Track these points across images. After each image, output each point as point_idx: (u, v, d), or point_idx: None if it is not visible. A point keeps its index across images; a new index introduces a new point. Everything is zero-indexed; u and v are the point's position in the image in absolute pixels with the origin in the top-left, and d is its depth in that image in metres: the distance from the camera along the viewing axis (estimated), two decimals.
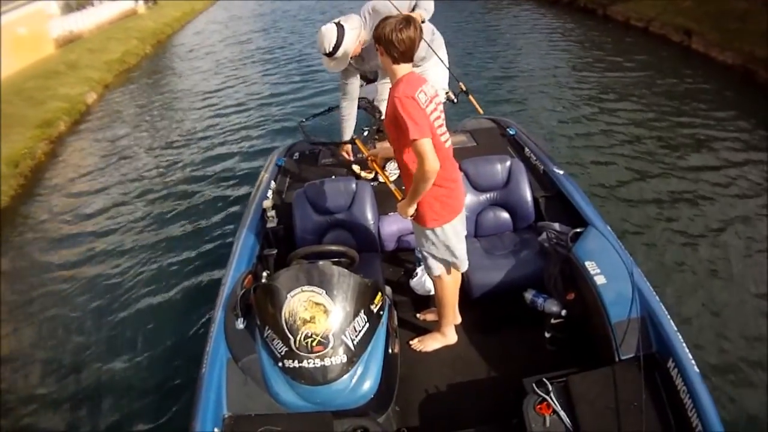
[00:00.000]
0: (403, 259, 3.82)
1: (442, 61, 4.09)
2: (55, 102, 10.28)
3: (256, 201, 3.91)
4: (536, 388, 2.39)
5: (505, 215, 3.70)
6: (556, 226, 3.40)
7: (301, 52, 12.95)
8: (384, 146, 4.22)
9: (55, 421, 3.79)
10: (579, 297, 2.95)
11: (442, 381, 2.91)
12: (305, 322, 2.45)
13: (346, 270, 2.66)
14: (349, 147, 4.32)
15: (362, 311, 2.58)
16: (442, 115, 2.73)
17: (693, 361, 2.36)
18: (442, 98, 3.98)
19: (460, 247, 2.98)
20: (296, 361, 2.44)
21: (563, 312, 3.02)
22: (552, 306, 3.07)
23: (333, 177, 3.84)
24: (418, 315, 3.41)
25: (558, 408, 2.31)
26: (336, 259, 2.93)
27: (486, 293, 3.26)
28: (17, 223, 6.66)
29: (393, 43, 2.49)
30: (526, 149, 4.33)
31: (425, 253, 2.93)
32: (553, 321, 3.04)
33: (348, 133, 4.26)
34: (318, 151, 4.71)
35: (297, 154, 4.73)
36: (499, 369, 2.96)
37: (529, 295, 3.20)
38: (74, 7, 16.41)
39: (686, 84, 8.62)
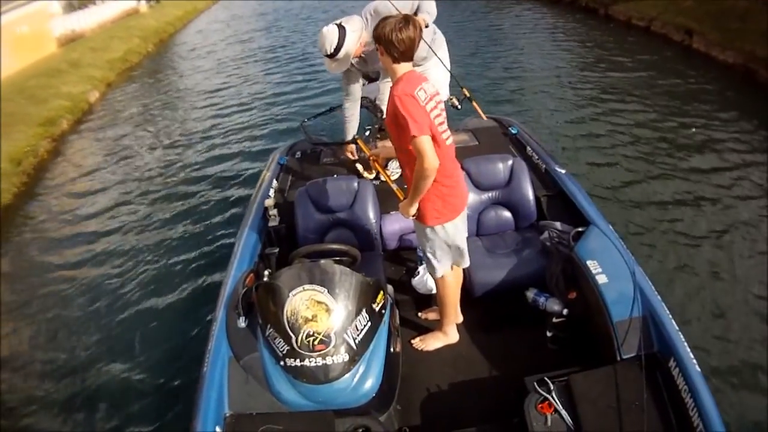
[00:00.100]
0: (405, 257, 3.82)
1: (442, 61, 4.09)
2: (57, 100, 10.30)
3: (258, 200, 3.92)
4: (538, 387, 2.39)
5: (507, 214, 3.70)
6: (558, 225, 3.40)
7: (303, 51, 12.94)
8: (386, 145, 4.23)
9: (55, 421, 3.79)
10: (581, 296, 2.95)
11: (444, 380, 2.91)
12: (307, 320, 2.46)
13: (347, 269, 2.67)
14: (352, 147, 4.32)
15: (364, 310, 2.58)
16: (443, 114, 2.73)
17: (694, 361, 2.36)
18: (444, 97, 3.99)
19: (462, 246, 2.98)
20: (298, 360, 2.45)
21: (565, 311, 3.02)
22: (554, 305, 3.07)
23: (335, 176, 3.84)
24: (419, 314, 3.42)
25: (559, 407, 2.31)
26: (338, 258, 2.93)
27: (488, 292, 3.26)
28: (19, 222, 6.67)
29: (393, 42, 2.51)
30: (528, 148, 4.33)
31: (427, 252, 2.94)
32: (554, 320, 3.04)
33: (351, 133, 4.26)
34: (320, 150, 4.71)
35: (299, 152, 4.73)
36: (500, 368, 2.97)
37: (530, 294, 3.20)
38: (76, 6, 16.43)
39: (687, 84, 8.59)
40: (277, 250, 3.23)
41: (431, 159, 2.47)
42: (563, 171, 3.91)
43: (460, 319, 3.24)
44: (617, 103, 8.02)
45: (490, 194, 3.68)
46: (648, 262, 4.26)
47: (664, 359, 2.44)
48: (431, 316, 3.36)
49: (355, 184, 3.66)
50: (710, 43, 9.74)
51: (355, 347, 2.49)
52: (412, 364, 3.01)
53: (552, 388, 2.37)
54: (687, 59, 9.87)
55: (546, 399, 2.34)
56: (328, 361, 2.43)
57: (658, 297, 2.70)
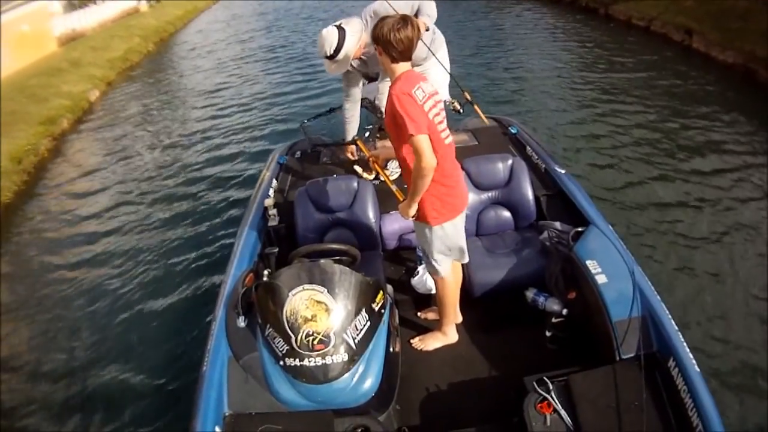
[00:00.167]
0: (405, 257, 3.82)
1: (441, 62, 4.09)
2: (58, 99, 10.31)
3: (258, 199, 3.92)
4: (537, 387, 2.39)
5: (507, 214, 3.69)
6: (558, 225, 3.40)
7: (303, 51, 12.93)
8: (385, 146, 4.23)
9: (55, 422, 3.77)
10: (580, 296, 2.95)
11: (443, 380, 2.91)
12: (306, 320, 2.46)
13: (347, 268, 2.67)
14: (353, 148, 4.32)
15: (363, 310, 2.58)
16: (443, 113, 2.74)
17: (694, 361, 2.36)
18: (444, 97, 3.98)
19: (462, 246, 2.98)
20: (297, 360, 2.45)
21: (564, 311, 3.03)
22: (553, 305, 3.08)
23: (334, 175, 3.84)
24: (419, 314, 3.42)
25: (559, 407, 2.31)
26: (337, 258, 2.93)
27: (487, 292, 3.26)
28: (19, 221, 6.67)
29: (391, 42, 2.52)
30: (528, 148, 4.33)
31: (426, 252, 2.94)
32: (554, 320, 3.04)
33: (351, 134, 4.27)
34: (320, 149, 4.72)
35: (298, 152, 4.73)
36: (500, 368, 2.97)
37: (530, 294, 3.20)
38: (77, 5, 16.43)
39: (687, 84, 8.58)
40: (276, 249, 3.23)
41: (429, 158, 2.47)
42: (563, 171, 3.91)
43: (460, 319, 3.24)
44: (617, 104, 8.01)
45: (489, 194, 3.68)
46: (648, 264, 4.24)
47: (663, 359, 2.44)
48: (430, 315, 3.36)
49: (355, 184, 3.66)
50: (710, 43, 9.74)
51: (354, 347, 2.49)
52: (412, 363, 3.02)
53: (551, 387, 2.37)
54: (687, 59, 9.87)
55: (545, 399, 2.34)
56: (328, 360, 2.43)
57: (658, 297, 2.70)
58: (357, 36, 3.63)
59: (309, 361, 2.43)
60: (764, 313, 3.95)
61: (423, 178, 2.54)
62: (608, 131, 7.10)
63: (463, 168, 3.14)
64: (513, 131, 4.62)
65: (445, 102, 3.98)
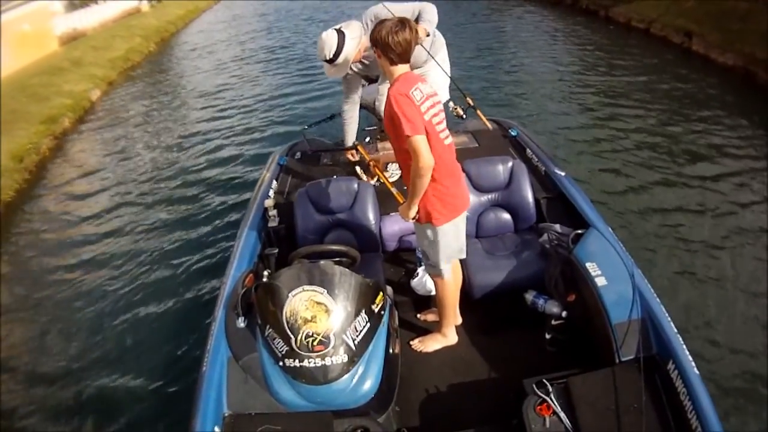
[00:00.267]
0: (405, 259, 3.83)
1: (440, 65, 4.09)
2: (59, 98, 10.31)
3: (258, 200, 3.92)
4: (536, 389, 2.39)
5: (507, 216, 3.70)
6: (557, 227, 3.41)
7: (304, 52, 12.93)
8: (385, 147, 4.24)
9: (55, 423, 3.76)
10: (580, 298, 2.95)
11: (443, 381, 2.92)
12: (306, 321, 2.46)
13: (347, 270, 2.67)
14: (353, 152, 4.33)
15: (363, 311, 2.58)
16: (442, 114, 2.75)
17: (693, 364, 2.36)
18: (444, 99, 3.99)
19: (461, 248, 2.98)
20: (297, 361, 2.45)
21: (564, 313, 3.03)
22: (553, 307, 3.08)
23: (335, 177, 3.84)
24: (418, 315, 3.42)
25: (558, 409, 2.31)
26: (337, 259, 2.94)
27: (487, 294, 3.26)
28: (20, 221, 6.65)
29: (389, 45, 2.55)
30: (528, 150, 4.33)
31: (426, 252, 2.94)
32: (553, 322, 3.05)
33: (350, 136, 4.27)
34: (320, 154, 4.72)
35: (299, 153, 4.73)
36: (499, 370, 2.97)
37: (529, 297, 3.20)
38: (78, 5, 16.44)
39: (687, 87, 8.60)
40: (276, 250, 3.23)
41: (426, 158, 2.49)
42: (563, 173, 3.91)
43: (459, 320, 3.24)
44: (617, 108, 8.02)
45: (489, 196, 3.69)
46: (649, 267, 4.22)
47: (662, 362, 2.45)
48: (430, 317, 3.36)
49: (355, 186, 3.66)
50: (710, 45, 9.75)
51: (354, 348, 2.49)
52: (411, 365, 3.02)
53: (551, 390, 2.37)
54: (687, 61, 9.88)
55: (545, 401, 2.34)
56: (327, 361, 2.43)
57: (657, 299, 2.71)
58: (356, 40, 3.63)
59: (308, 362, 2.43)
60: (764, 317, 3.94)
61: (421, 178, 2.55)
62: (608, 135, 7.10)
63: (463, 170, 3.14)
64: (513, 133, 4.62)
65: (447, 106, 3.98)
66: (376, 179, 4.00)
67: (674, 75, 9.15)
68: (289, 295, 2.51)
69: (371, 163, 3.71)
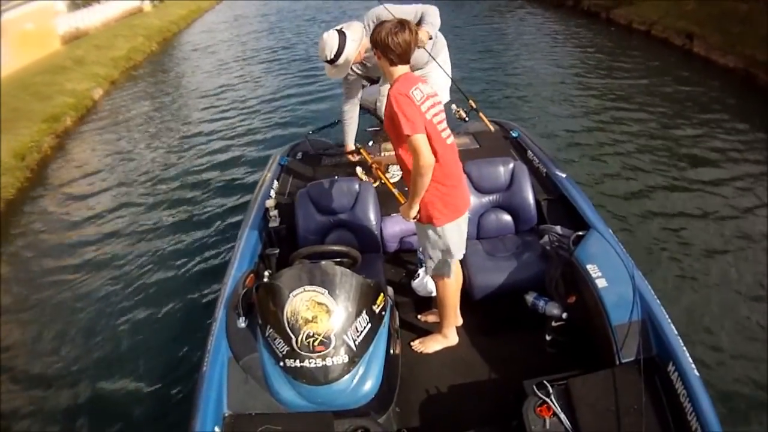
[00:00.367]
0: (405, 260, 3.84)
1: (441, 66, 4.10)
2: (61, 97, 10.34)
3: (259, 200, 3.93)
4: (537, 391, 2.39)
5: (507, 218, 3.70)
6: (558, 229, 3.40)
7: (306, 53, 12.94)
8: (387, 148, 4.23)
9: (55, 425, 3.75)
10: (580, 300, 2.96)
11: (443, 382, 2.92)
12: (307, 321, 2.46)
13: (348, 270, 2.67)
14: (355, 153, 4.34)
15: (364, 312, 2.58)
16: (443, 114, 2.76)
17: (693, 365, 2.36)
18: (445, 100, 3.99)
19: (461, 249, 2.99)
20: (297, 361, 2.45)
21: (564, 315, 3.03)
22: (553, 309, 3.08)
23: (336, 177, 3.85)
24: (419, 316, 3.42)
25: (558, 410, 2.31)
26: (338, 260, 2.94)
27: (487, 295, 3.27)
28: (20, 221, 6.65)
29: (389, 46, 2.56)
30: (529, 152, 4.34)
31: (427, 253, 2.95)
32: (554, 324, 3.05)
33: (350, 136, 4.28)
34: (321, 156, 4.72)
35: (300, 153, 4.74)
36: (499, 371, 2.97)
37: (530, 298, 3.20)
38: (80, 4, 16.47)
39: (688, 90, 8.59)
40: (277, 251, 3.24)
41: (426, 157, 2.50)
42: (564, 175, 3.91)
43: (460, 321, 3.24)
44: (618, 111, 8.01)
45: (490, 197, 3.69)
46: (649, 272, 4.23)
47: (663, 363, 2.45)
48: (431, 318, 3.37)
49: (356, 186, 3.67)
50: (711, 48, 9.76)
51: (354, 349, 2.49)
52: (412, 366, 3.02)
53: (551, 391, 2.37)
54: (688, 64, 9.88)
55: (545, 402, 2.34)
56: (328, 362, 2.44)
57: (658, 301, 2.71)
58: (357, 41, 3.63)
59: (309, 363, 2.44)
60: (765, 321, 3.93)
61: (422, 177, 2.56)
62: (609, 138, 7.10)
63: (464, 171, 3.14)
64: (514, 135, 4.63)
65: (449, 108, 3.98)
66: (378, 181, 4.00)
67: (676, 77, 9.15)
68: (290, 295, 2.51)
69: (373, 165, 3.72)
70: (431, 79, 3.88)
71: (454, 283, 3.04)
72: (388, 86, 2.79)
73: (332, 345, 2.45)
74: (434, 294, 3.25)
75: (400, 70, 2.65)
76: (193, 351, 3.95)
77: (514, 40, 12.82)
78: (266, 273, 2.99)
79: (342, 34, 3.59)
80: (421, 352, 3.14)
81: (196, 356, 3.59)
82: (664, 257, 4.70)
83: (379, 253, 3.65)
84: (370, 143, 4.67)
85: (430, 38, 3.78)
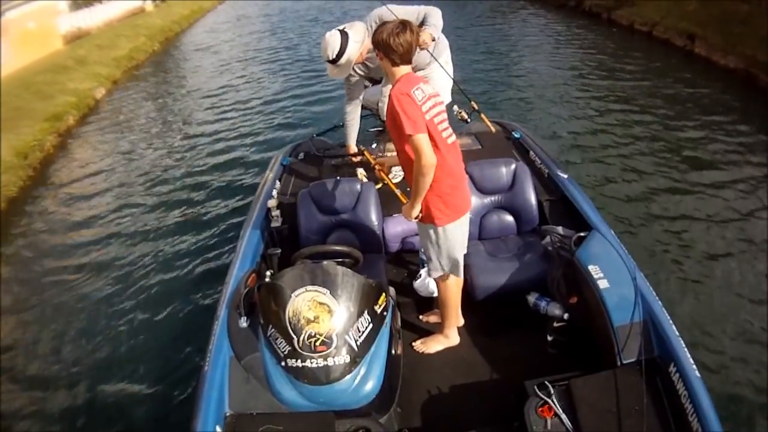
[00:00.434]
0: (407, 260, 3.84)
1: (443, 67, 4.10)
2: (63, 96, 10.35)
3: (261, 200, 3.93)
4: (538, 391, 2.39)
5: (509, 218, 3.70)
6: (560, 229, 3.40)
7: (309, 53, 12.95)
8: (390, 149, 4.24)
9: (56, 425, 3.74)
10: (582, 301, 2.96)
11: (444, 382, 2.92)
12: (309, 321, 2.46)
13: (350, 270, 2.67)
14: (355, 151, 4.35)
15: (366, 312, 2.59)
16: (445, 114, 2.76)
17: (694, 366, 2.36)
18: (447, 101, 3.99)
19: (462, 250, 2.99)
20: (299, 361, 2.45)
21: (566, 315, 3.03)
22: (555, 309, 3.08)
23: (338, 177, 3.86)
24: (421, 316, 3.43)
25: (559, 411, 2.31)
26: (340, 260, 2.95)
27: (489, 296, 3.27)
28: (21, 221, 6.63)
29: (391, 46, 2.58)
30: (531, 153, 4.34)
31: (428, 253, 2.95)
32: (555, 324, 3.05)
33: (352, 137, 4.28)
34: (323, 158, 4.73)
35: (302, 154, 4.74)
36: (501, 371, 2.97)
37: (532, 299, 3.20)
38: (82, 4, 16.49)
39: (691, 91, 8.59)
40: (279, 251, 3.24)
41: (428, 156, 2.50)
42: (566, 176, 3.92)
43: (461, 322, 3.24)
44: (619, 113, 8.01)
45: (492, 198, 3.69)
46: (650, 274, 4.22)
47: (664, 364, 2.45)
48: (432, 318, 3.37)
49: (358, 186, 3.67)
50: (712, 48, 9.76)
51: (356, 349, 2.49)
52: (413, 366, 3.02)
53: (552, 392, 2.37)
54: (689, 65, 9.88)
55: (546, 403, 2.34)
56: (330, 362, 2.44)
57: (659, 302, 2.71)
58: (360, 42, 3.64)
59: (311, 362, 2.44)
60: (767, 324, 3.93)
61: (424, 177, 2.57)
62: (610, 140, 7.10)
63: (466, 171, 3.15)
64: (516, 136, 4.63)
65: (451, 109, 3.99)
66: (381, 183, 4.01)
67: (677, 79, 9.16)
68: (292, 295, 2.51)
69: (376, 167, 3.73)
70: (433, 80, 3.89)
71: (455, 283, 3.04)
72: (389, 87, 2.80)
73: (334, 345, 2.45)
74: (436, 294, 3.25)
75: (402, 70, 2.66)
76: (194, 352, 3.95)
77: (516, 41, 12.82)
78: (268, 273, 2.99)
79: (344, 35, 3.60)
80: (422, 353, 3.14)
81: (197, 357, 3.58)
82: (666, 260, 4.69)
83: (381, 254, 3.66)
84: (374, 145, 4.67)
85: (433, 40, 3.78)
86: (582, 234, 3.22)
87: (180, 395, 3.69)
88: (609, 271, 2.87)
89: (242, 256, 3.31)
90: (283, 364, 2.49)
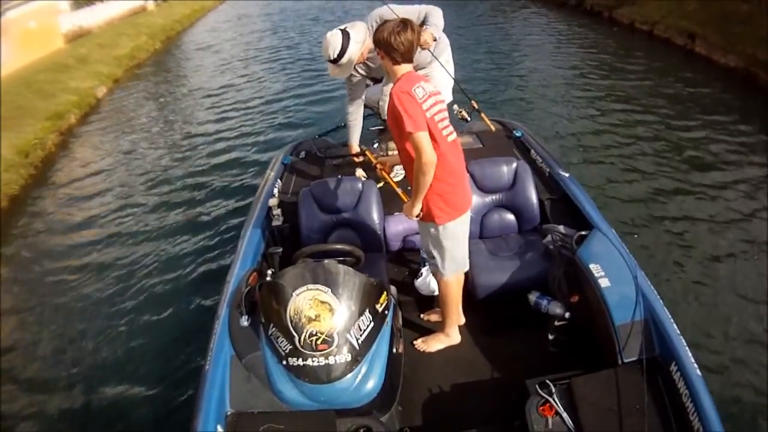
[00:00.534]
0: (408, 259, 3.84)
1: (444, 66, 4.10)
2: (65, 95, 10.36)
3: (262, 199, 3.92)
4: (539, 390, 2.39)
5: (511, 217, 3.70)
6: (561, 228, 3.41)
7: (310, 53, 12.94)
8: (392, 147, 4.23)
9: (56, 425, 3.74)
10: (583, 299, 2.96)
11: (446, 381, 2.92)
12: (310, 320, 2.46)
13: (351, 269, 2.67)
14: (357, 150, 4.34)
15: (367, 310, 2.59)
16: (446, 112, 2.77)
17: (695, 365, 2.36)
18: (448, 100, 3.99)
19: (463, 248, 2.99)
20: (300, 359, 2.45)
21: (567, 314, 3.03)
22: (556, 308, 3.08)
23: (339, 176, 3.86)
24: (422, 315, 3.43)
25: (561, 410, 2.31)
26: (341, 258, 2.94)
27: (490, 294, 3.27)
28: (22, 221, 6.62)
29: (392, 45, 2.59)
30: (532, 151, 4.34)
31: (429, 252, 2.95)
32: (556, 323, 3.05)
33: (354, 137, 4.28)
34: (324, 149, 4.73)
35: (303, 152, 4.74)
36: (502, 370, 2.97)
37: (533, 297, 3.20)
38: (83, 3, 16.49)
39: (692, 90, 8.59)
40: (280, 249, 3.23)
41: (428, 154, 2.51)
42: (567, 174, 3.92)
43: (463, 320, 3.25)
44: (620, 113, 8.00)
45: (493, 197, 3.69)
46: (651, 275, 4.21)
47: (665, 363, 2.45)
48: (433, 317, 3.37)
49: (359, 185, 3.67)
50: (712, 47, 9.77)
51: (357, 347, 2.49)
52: (414, 365, 3.02)
53: (553, 390, 2.37)
54: (690, 64, 9.88)
55: (547, 401, 2.35)
56: (331, 360, 2.44)
57: (660, 301, 2.71)
58: (361, 41, 3.64)
59: (312, 361, 2.44)
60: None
61: (424, 175, 2.57)
62: (612, 139, 7.10)
63: (467, 170, 3.14)
64: (517, 134, 4.63)
65: (451, 109, 3.99)
66: (382, 183, 4.02)
67: (678, 78, 9.15)
68: (294, 293, 2.51)
69: (378, 166, 3.73)
70: (434, 79, 3.88)
71: (456, 281, 3.04)
72: (390, 85, 2.80)
73: (335, 343, 2.45)
74: (437, 293, 3.25)
75: (403, 68, 2.67)
76: (195, 351, 3.93)
77: (517, 40, 12.82)
78: (269, 272, 3.00)
79: (345, 34, 3.60)
80: (423, 351, 3.14)
81: (198, 357, 3.58)
82: (668, 260, 4.69)
83: (382, 252, 3.65)
84: (375, 144, 4.67)
85: (435, 40, 3.78)
86: (583, 233, 3.23)
87: (181, 395, 3.68)
88: (610, 269, 2.87)
89: (243, 255, 3.31)
90: (284, 362, 2.49)
